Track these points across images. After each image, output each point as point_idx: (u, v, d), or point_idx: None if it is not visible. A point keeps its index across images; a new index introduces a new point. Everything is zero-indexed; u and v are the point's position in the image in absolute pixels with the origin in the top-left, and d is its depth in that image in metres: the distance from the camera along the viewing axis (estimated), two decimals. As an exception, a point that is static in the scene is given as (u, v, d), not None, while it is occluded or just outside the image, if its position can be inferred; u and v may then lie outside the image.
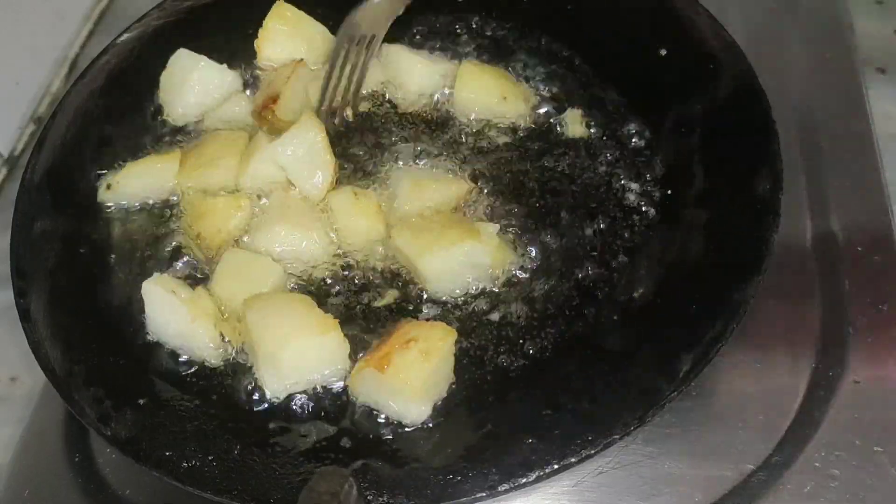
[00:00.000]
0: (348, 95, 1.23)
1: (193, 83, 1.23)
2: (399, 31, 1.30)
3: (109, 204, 1.17)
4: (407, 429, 0.95)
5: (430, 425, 0.95)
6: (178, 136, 1.24)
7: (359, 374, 0.96)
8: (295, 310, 1.00)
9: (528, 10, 1.31)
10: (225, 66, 1.25)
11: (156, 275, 1.06)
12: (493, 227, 1.06)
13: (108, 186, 1.16)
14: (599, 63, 1.26)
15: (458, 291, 1.06)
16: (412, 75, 1.24)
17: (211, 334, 1.02)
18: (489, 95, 1.21)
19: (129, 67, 1.24)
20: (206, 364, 1.03)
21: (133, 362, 1.03)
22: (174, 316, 1.02)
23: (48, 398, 1.13)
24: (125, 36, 1.25)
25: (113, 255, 1.13)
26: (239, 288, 1.04)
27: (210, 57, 1.29)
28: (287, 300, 1.03)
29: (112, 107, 1.22)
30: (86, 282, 1.09)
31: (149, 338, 1.05)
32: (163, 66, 1.25)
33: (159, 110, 1.25)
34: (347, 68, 1.23)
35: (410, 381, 0.93)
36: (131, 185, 1.16)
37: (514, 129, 1.21)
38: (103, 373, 1.00)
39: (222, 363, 1.03)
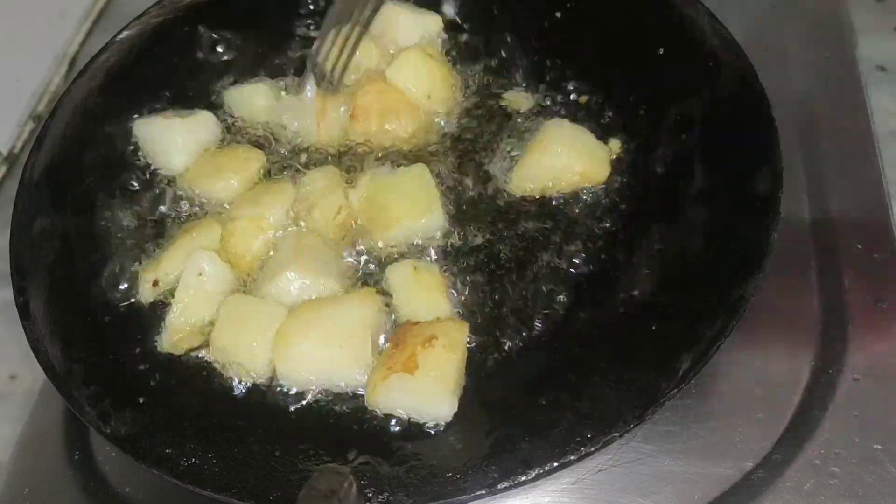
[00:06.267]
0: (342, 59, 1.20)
1: (174, 139, 1.18)
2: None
3: (155, 299, 1.09)
4: (406, 427, 0.95)
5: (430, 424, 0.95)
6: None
7: (382, 383, 0.94)
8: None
9: (527, 6, 1.32)
10: (189, 117, 1.20)
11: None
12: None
13: (155, 283, 1.08)
14: (599, 61, 1.26)
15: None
16: (398, 28, 1.25)
17: None
18: (417, 87, 1.20)
19: (128, 65, 1.23)
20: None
21: (132, 360, 1.03)
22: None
23: (48, 396, 1.13)
24: (124, 33, 1.25)
25: (113, 252, 1.13)
26: (241, 335, 1.01)
27: (210, 56, 1.29)
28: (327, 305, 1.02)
29: (112, 105, 1.22)
30: (85, 279, 1.09)
31: (148, 335, 1.06)
32: (162, 64, 1.26)
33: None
34: (344, 29, 1.20)
35: (443, 377, 0.93)
36: (179, 270, 1.08)
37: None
38: (103, 371, 1.00)
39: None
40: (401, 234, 1.09)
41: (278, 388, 1.00)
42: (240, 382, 1.01)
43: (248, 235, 1.09)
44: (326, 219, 1.10)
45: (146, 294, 1.09)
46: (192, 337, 1.04)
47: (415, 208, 1.09)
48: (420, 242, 1.10)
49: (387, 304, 1.04)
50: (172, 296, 1.06)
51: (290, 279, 1.04)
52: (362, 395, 0.98)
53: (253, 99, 1.25)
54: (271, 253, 1.09)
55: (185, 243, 1.10)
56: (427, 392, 0.93)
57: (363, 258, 1.10)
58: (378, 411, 0.96)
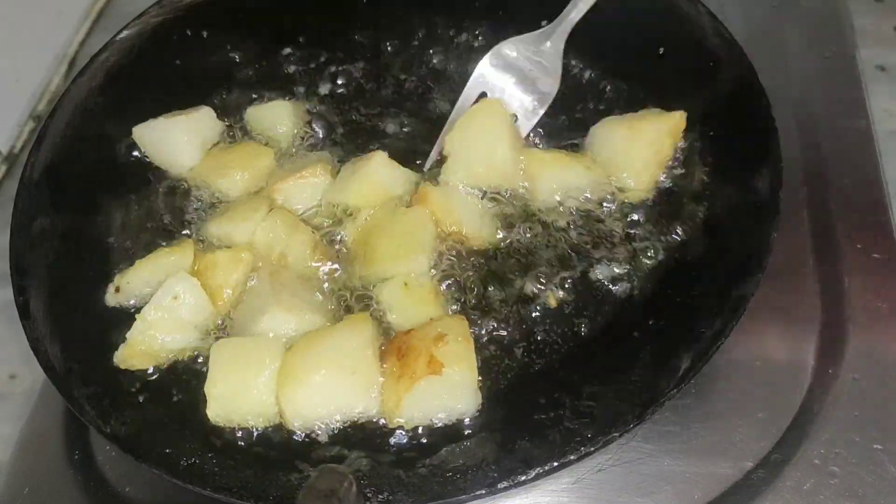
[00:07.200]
0: None
1: (178, 137, 1.19)
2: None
3: (118, 304, 1.08)
4: (408, 427, 0.95)
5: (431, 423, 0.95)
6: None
7: (408, 394, 0.92)
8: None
9: (527, 6, 1.31)
10: (188, 114, 1.20)
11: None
12: None
13: (117, 289, 1.07)
14: (599, 61, 1.26)
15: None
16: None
17: None
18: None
19: (128, 64, 1.23)
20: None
21: (132, 360, 1.03)
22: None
23: (48, 396, 1.13)
24: (124, 33, 1.25)
25: (112, 252, 1.13)
26: (240, 379, 0.95)
27: (210, 55, 1.30)
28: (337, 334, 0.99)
29: (112, 105, 1.22)
30: (85, 279, 1.09)
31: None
32: (162, 63, 1.26)
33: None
34: None
35: (470, 367, 0.93)
36: (141, 283, 1.07)
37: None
38: (103, 370, 1.00)
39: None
40: (381, 272, 1.05)
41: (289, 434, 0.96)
42: (252, 430, 0.96)
43: (228, 269, 1.06)
44: (303, 257, 1.07)
45: (109, 297, 1.07)
46: (145, 358, 1.01)
47: (399, 251, 1.05)
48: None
49: (380, 325, 1.02)
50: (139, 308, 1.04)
51: (274, 320, 1.00)
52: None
53: (279, 117, 1.24)
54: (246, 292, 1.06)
55: (156, 259, 1.08)
56: (457, 387, 0.93)
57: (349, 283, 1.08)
58: (402, 427, 0.94)
